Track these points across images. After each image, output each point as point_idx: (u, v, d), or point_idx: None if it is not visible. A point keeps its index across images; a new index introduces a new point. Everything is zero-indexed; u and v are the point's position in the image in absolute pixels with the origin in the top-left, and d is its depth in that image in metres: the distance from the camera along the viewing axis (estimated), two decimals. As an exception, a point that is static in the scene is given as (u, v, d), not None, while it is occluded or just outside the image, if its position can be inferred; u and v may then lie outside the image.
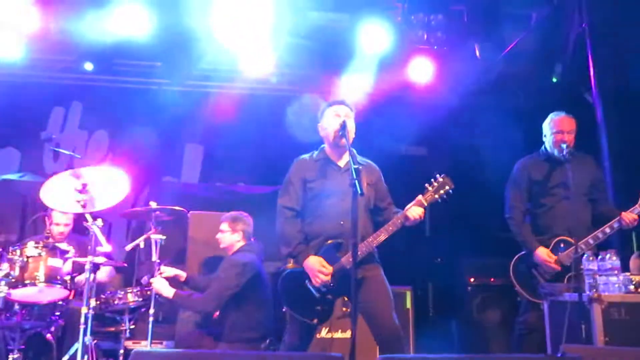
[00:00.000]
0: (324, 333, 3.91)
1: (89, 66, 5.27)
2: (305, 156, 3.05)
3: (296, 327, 2.87)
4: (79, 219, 3.44)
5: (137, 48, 5.08)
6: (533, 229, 3.52)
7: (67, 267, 3.48)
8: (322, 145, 3.04)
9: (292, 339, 2.88)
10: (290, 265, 2.88)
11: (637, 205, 3.25)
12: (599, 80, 4.77)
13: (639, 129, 4.36)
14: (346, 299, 3.80)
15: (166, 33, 5.00)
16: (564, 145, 3.37)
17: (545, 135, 3.62)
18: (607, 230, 3.27)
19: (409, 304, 4.23)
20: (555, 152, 3.51)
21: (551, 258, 3.35)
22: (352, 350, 2.26)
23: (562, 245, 3.39)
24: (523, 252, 3.51)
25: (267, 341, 3.39)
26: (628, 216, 3.24)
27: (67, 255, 3.44)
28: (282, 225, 2.91)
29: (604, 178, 3.89)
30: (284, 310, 2.89)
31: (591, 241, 3.26)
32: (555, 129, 3.51)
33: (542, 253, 3.37)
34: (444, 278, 5.43)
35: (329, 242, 2.81)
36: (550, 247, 3.41)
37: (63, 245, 3.54)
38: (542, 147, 3.64)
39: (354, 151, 3.01)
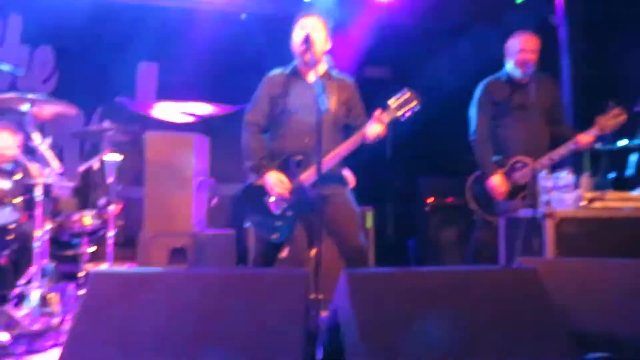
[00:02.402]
0: (286, 253, 3.96)
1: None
2: (277, 71, 2.94)
3: (260, 245, 2.89)
4: (25, 139, 3.25)
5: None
6: (492, 148, 3.58)
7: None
8: (294, 60, 2.92)
9: (257, 257, 2.90)
10: (254, 179, 2.84)
11: (593, 128, 3.32)
12: (565, 2, 4.74)
13: (603, 53, 4.40)
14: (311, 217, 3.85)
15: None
16: (528, 64, 3.36)
17: (507, 55, 3.59)
18: (563, 151, 3.36)
19: (369, 224, 4.32)
20: (518, 72, 3.50)
21: (503, 187, 3.42)
22: (317, 267, 2.30)
23: (518, 165, 3.47)
24: (480, 172, 3.58)
25: None
26: (584, 138, 3.32)
27: (14, 177, 3.29)
28: (247, 139, 2.86)
29: (563, 100, 3.95)
30: (246, 227, 2.88)
31: (547, 162, 3.35)
32: (518, 48, 3.48)
33: (497, 180, 3.44)
34: (403, 198, 5.55)
35: (295, 158, 2.77)
36: (508, 166, 3.49)
37: (9, 167, 3.37)
38: (504, 68, 3.63)
39: (327, 65, 2.90)
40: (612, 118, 3.28)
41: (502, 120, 3.56)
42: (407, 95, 2.67)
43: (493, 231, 3.45)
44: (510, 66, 3.57)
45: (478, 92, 3.65)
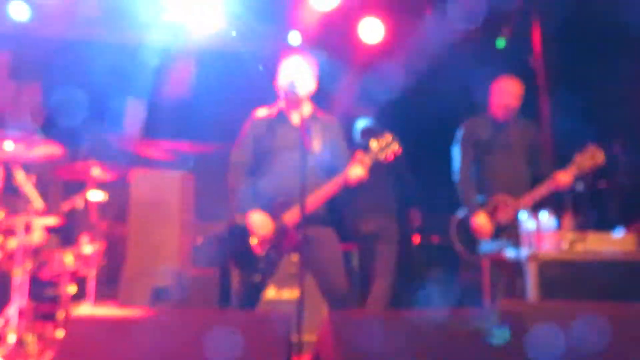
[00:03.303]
0: (271, 293, 3.92)
1: (21, 14, 4.87)
2: (262, 111, 2.98)
3: (242, 286, 2.86)
4: (8, 177, 3.23)
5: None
6: (475, 187, 3.62)
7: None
8: (279, 100, 2.96)
9: (240, 299, 2.87)
10: (238, 220, 2.83)
11: (572, 167, 3.38)
12: (544, 45, 4.90)
13: (582, 95, 4.53)
14: (293, 259, 3.83)
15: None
16: (510, 108, 3.47)
17: (491, 98, 3.68)
18: (544, 190, 3.41)
19: (355, 263, 4.30)
20: (501, 115, 3.60)
21: (488, 226, 3.45)
22: (299, 309, 2.28)
23: (501, 204, 3.51)
24: (463, 212, 3.61)
25: None
26: (563, 177, 3.38)
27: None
28: (232, 180, 2.88)
29: (543, 141, 4.05)
30: (229, 267, 2.86)
31: (529, 201, 3.40)
32: (502, 92, 3.58)
33: (481, 220, 3.47)
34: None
35: (278, 199, 2.77)
36: (491, 205, 3.52)
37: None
38: (488, 108, 3.72)
39: (312, 106, 2.95)
40: (590, 157, 3.35)
41: (485, 160, 3.63)
42: (388, 138, 2.71)
43: (478, 272, 3.46)
44: (493, 108, 3.66)
45: (460, 131, 3.72)
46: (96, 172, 3.61)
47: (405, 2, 5.21)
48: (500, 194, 3.51)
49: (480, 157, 3.64)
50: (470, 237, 3.54)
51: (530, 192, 3.43)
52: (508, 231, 3.38)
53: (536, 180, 3.57)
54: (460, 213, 3.63)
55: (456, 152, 3.70)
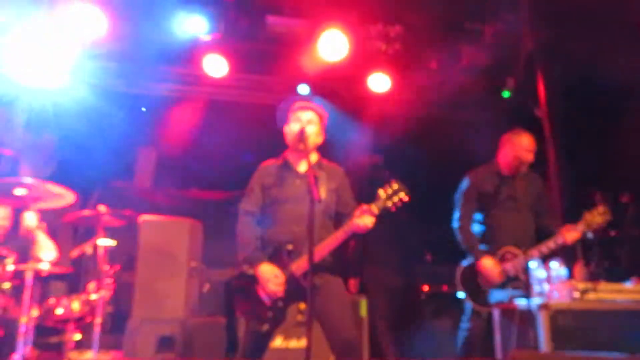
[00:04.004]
0: (278, 342, 3.85)
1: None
2: (269, 161, 3.03)
3: (249, 335, 2.81)
4: (20, 223, 3.27)
5: (91, 47, 4.91)
6: (481, 239, 3.59)
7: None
8: (286, 150, 3.01)
9: (246, 348, 2.81)
10: (246, 269, 2.81)
11: (580, 223, 3.34)
12: (548, 96, 4.98)
13: (587, 143, 4.57)
14: (301, 307, 3.78)
15: (122, 33, 4.86)
16: (525, 163, 3.49)
17: (503, 149, 3.67)
18: (552, 245, 3.35)
19: (364, 312, 4.23)
20: (511, 167, 3.58)
21: (496, 268, 3.41)
22: (307, 358, 2.24)
23: (508, 255, 3.47)
24: (468, 262, 3.57)
25: None
26: (571, 235, 3.32)
27: (6, 261, 3.26)
28: (241, 229, 2.88)
29: (549, 193, 4.04)
30: (236, 315, 2.81)
31: (537, 254, 3.35)
32: (519, 146, 3.57)
33: (488, 263, 3.43)
34: (399, 286, 5.48)
35: (286, 247, 2.76)
36: (498, 256, 3.49)
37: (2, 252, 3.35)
38: (494, 160, 3.72)
39: (317, 156, 2.99)
40: (598, 215, 3.32)
41: (491, 211, 3.61)
42: (395, 186, 2.69)
43: (482, 321, 3.40)
44: (503, 159, 3.65)
45: (464, 182, 3.71)
46: (106, 218, 3.64)
47: (411, 55, 5.33)
48: (508, 246, 3.47)
49: (486, 209, 3.62)
50: (475, 286, 3.49)
51: (537, 246, 3.40)
52: (515, 282, 3.33)
53: (543, 231, 3.54)
54: (465, 262, 3.59)
55: (458, 201, 3.69)
